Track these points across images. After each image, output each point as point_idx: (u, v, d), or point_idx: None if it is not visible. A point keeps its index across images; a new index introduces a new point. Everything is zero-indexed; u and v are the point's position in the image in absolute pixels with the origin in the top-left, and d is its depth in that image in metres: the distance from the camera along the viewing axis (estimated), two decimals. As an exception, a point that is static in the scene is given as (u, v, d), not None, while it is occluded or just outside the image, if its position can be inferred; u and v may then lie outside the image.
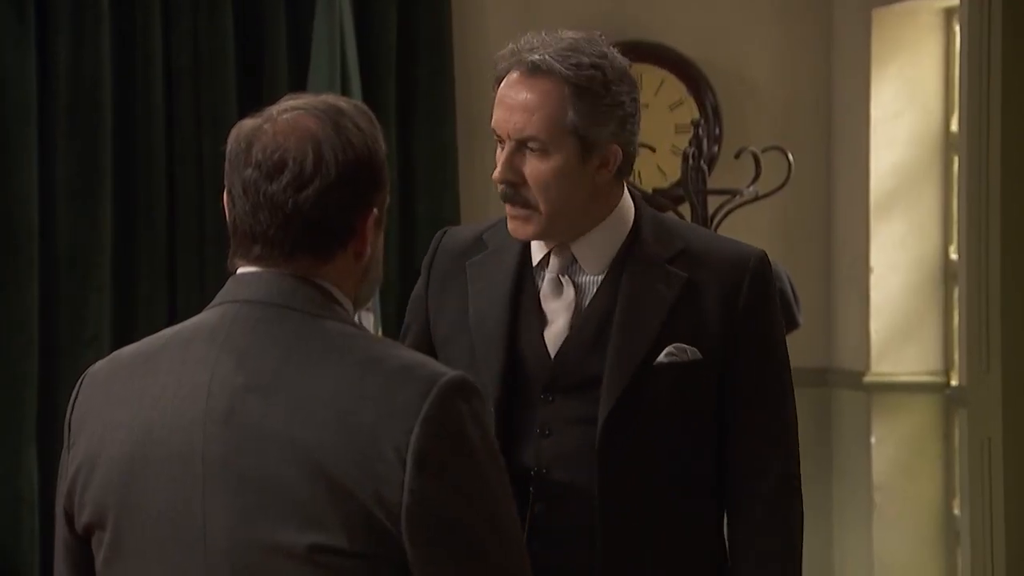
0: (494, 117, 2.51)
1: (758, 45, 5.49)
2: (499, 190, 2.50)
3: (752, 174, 5.05)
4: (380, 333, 4.74)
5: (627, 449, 2.47)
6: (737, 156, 5.11)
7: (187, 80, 5.02)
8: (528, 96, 2.47)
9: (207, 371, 1.87)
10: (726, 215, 5.05)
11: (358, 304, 1.95)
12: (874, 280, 5.35)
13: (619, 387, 2.46)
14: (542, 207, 2.48)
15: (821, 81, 5.52)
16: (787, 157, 5.06)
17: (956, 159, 5.24)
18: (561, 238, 2.52)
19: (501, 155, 2.50)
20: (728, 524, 2.59)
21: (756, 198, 5.06)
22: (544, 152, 2.47)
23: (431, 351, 2.57)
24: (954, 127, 5.28)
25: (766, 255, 2.56)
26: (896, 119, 5.35)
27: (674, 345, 2.49)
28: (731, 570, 2.57)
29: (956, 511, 5.23)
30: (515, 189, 2.48)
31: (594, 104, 2.47)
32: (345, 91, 4.87)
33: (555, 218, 2.49)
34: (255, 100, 5.05)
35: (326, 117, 1.90)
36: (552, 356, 2.51)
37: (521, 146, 2.48)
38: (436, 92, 5.22)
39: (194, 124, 5.02)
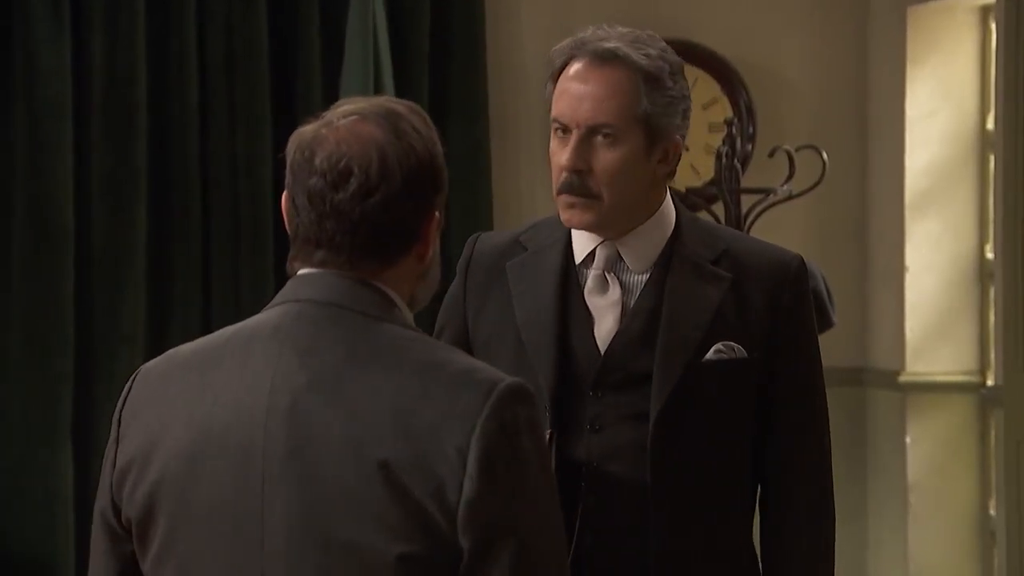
0: (558, 106, 2.49)
1: (792, 43, 5.48)
2: (562, 178, 2.49)
3: (786, 173, 5.03)
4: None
5: (678, 445, 2.49)
6: (771, 155, 5.09)
7: (221, 78, 5.03)
8: (601, 83, 2.47)
9: (269, 368, 1.88)
10: (760, 214, 5.03)
11: (414, 305, 1.97)
12: (909, 279, 5.33)
13: (670, 384, 2.48)
14: (605, 196, 2.49)
15: (856, 79, 5.50)
16: (821, 156, 5.04)
17: (992, 157, 5.21)
18: (612, 231, 2.53)
19: (566, 143, 2.49)
20: (763, 522, 2.60)
21: (790, 197, 5.04)
22: (615, 140, 2.48)
23: (467, 352, 2.56)
24: (990, 125, 5.25)
25: (803, 260, 2.59)
26: (931, 117, 5.32)
27: (722, 343, 2.51)
28: (767, 568, 2.58)
29: (992, 511, 5.20)
30: (580, 177, 2.48)
31: (663, 94, 2.49)
32: (378, 89, 4.88)
33: (615, 209, 2.50)
34: (289, 98, 5.07)
35: (386, 122, 1.91)
36: (602, 353, 2.52)
37: (591, 134, 2.48)
38: (469, 90, 5.22)
39: (228, 122, 5.03)
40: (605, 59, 2.48)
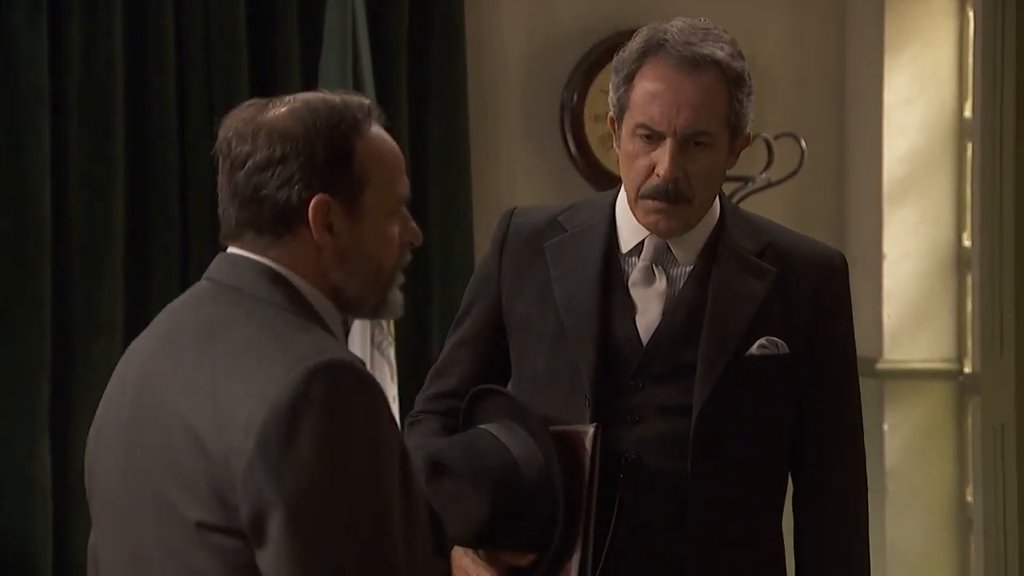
0: (649, 111, 2.45)
1: (770, 31, 5.48)
2: (653, 184, 2.46)
3: (765, 161, 5.04)
4: (390, 324, 4.73)
5: (719, 438, 2.48)
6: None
7: (199, 66, 5.02)
8: (697, 90, 2.45)
9: (149, 344, 1.97)
10: (738, 202, 5.04)
11: (348, 304, 1.94)
12: (887, 267, 5.34)
13: (713, 377, 2.47)
14: (697, 199, 2.47)
15: (834, 67, 5.51)
16: (800, 144, 5.06)
17: (970, 146, 5.22)
18: (689, 229, 2.51)
19: (652, 148, 2.45)
20: (797, 515, 2.60)
21: (769, 185, 5.06)
22: (711, 146, 2.47)
23: (498, 329, 2.58)
24: (968, 113, 5.26)
25: (844, 256, 2.59)
26: (909, 105, 5.33)
27: (766, 338, 2.50)
28: (806, 566, 2.57)
29: (969, 498, 5.22)
30: (675, 183, 2.45)
31: (744, 94, 2.51)
32: (357, 77, 4.87)
33: (701, 210, 2.50)
34: (267, 87, 5.05)
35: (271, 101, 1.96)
36: (644, 343, 2.50)
37: (688, 140, 2.45)
38: (449, 79, 5.21)
39: (206, 110, 5.02)
40: (698, 64, 2.45)
